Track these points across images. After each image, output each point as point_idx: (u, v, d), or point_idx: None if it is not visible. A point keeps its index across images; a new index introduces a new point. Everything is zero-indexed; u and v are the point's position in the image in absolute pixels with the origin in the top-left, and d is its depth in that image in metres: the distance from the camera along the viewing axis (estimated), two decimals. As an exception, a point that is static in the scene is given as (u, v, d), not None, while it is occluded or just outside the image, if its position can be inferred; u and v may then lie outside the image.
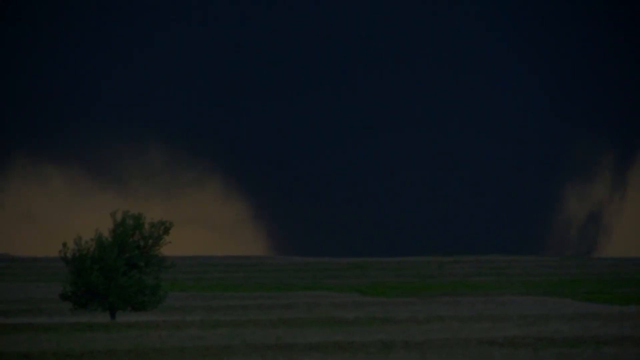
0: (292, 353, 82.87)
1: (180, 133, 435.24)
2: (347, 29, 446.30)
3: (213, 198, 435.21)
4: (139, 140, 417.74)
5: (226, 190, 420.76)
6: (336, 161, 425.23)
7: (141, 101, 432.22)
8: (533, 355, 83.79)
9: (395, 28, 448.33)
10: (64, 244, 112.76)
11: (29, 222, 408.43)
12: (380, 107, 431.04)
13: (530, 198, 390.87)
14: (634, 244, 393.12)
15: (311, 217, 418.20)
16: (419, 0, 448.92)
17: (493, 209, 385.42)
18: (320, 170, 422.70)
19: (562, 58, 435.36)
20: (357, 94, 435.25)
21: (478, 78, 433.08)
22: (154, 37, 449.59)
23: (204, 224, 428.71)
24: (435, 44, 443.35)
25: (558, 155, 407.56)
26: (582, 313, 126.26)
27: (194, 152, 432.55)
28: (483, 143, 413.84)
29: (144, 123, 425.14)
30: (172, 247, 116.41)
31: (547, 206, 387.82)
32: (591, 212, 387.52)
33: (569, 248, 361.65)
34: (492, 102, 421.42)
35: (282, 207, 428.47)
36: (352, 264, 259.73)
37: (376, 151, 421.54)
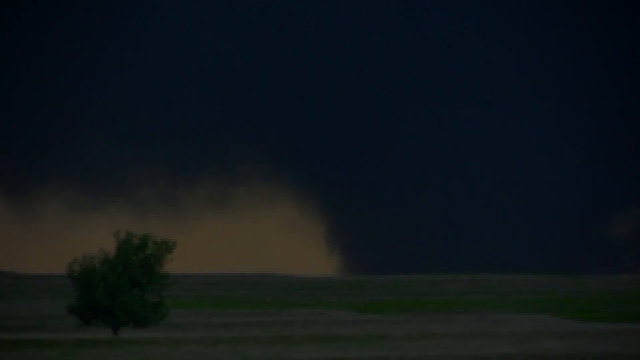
0: None
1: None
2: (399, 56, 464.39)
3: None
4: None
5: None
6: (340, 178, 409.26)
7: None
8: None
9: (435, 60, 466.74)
10: (73, 261, 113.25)
11: (33, 240, 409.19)
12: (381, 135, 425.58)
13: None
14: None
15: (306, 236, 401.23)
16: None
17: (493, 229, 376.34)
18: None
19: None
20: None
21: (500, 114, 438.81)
22: (189, 58, 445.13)
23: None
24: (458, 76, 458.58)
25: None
26: (573, 331, 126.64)
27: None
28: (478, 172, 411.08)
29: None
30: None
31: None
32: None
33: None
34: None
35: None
36: (349, 283, 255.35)
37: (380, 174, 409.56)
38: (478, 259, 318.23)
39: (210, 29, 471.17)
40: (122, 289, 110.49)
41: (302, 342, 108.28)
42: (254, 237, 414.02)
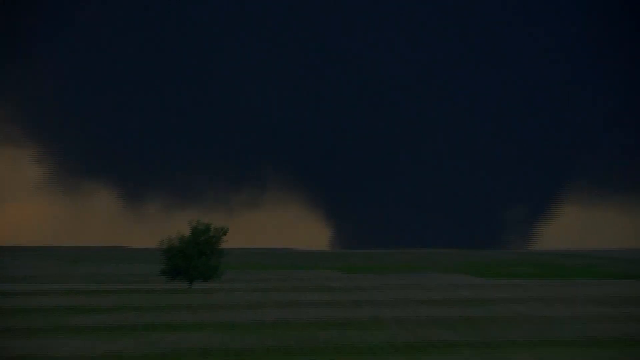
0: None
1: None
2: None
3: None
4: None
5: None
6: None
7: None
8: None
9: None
10: (161, 241, 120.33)
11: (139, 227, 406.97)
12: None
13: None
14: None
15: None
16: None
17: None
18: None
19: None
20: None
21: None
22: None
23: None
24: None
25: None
26: (479, 284, 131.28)
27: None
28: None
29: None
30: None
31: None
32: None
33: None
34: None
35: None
36: (337, 254, 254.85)
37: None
38: (420, 236, 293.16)
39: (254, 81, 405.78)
40: (193, 257, 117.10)
41: (307, 290, 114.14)
42: (276, 225, 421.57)
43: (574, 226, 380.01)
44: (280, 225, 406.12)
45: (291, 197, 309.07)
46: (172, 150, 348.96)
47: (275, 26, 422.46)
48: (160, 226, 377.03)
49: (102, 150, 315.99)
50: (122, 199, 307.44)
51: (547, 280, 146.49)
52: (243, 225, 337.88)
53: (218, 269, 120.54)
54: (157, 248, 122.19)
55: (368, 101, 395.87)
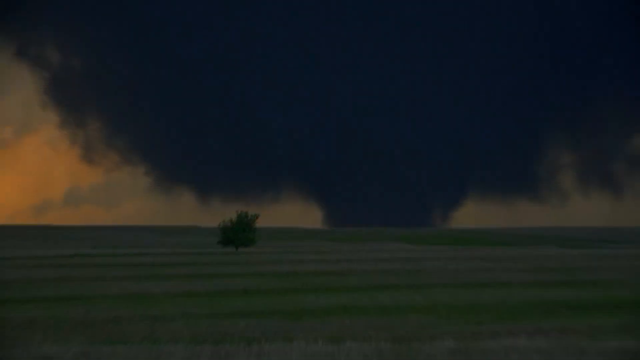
0: None
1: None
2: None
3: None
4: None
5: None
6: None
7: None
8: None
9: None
10: (219, 223, 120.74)
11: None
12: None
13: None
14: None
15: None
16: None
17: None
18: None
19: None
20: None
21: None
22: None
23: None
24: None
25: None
26: (416, 249, 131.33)
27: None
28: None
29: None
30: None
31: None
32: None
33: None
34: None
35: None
36: (326, 230, 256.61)
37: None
38: (383, 215, 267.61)
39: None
40: (238, 232, 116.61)
41: (307, 253, 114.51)
42: (287, 211, 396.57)
43: (480, 210, 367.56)
44: (290, 211, 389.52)
45: (297, 192, 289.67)
46: (228, 163, 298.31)
47: None
48: (220, 213, 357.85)
49: (185, 163, 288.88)
50: (196, 197, 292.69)
51: (459, 246, 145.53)
52: (268, 213, 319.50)
53: (253, 240, 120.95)
54: (217, 227, 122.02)
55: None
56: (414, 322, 36.11)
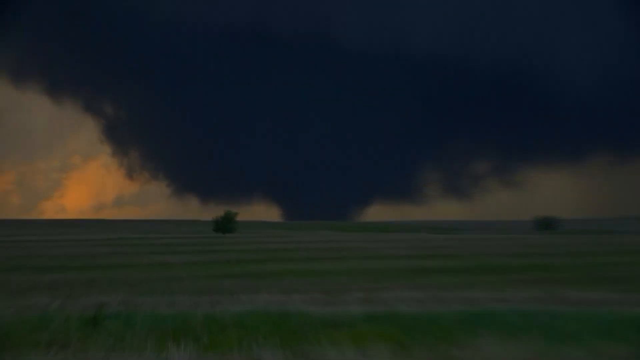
0: None
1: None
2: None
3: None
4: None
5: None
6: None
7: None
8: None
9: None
10: (215, 217, 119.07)
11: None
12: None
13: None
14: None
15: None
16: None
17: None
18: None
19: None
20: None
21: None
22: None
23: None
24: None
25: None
26: (340, 235, 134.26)
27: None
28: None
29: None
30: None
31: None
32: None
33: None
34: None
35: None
36: (282, 223, 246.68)
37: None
38: (320, 211, 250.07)
39: None
40: (225, 224, 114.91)
41: (269, 236, 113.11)
42: (254, 213, 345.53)
43: (381, 209, 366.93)
44: (258, 210, 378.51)
45: (263, 198, 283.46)
46: (219, 179, 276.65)
47: None
48: (214, 211, 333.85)
49: (192, 180, 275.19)
50: (199, 201, 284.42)
51: (368, 233, 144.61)
52: (244, 211, 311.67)
53: (234, 229, 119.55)
54: (212, 220, 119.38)
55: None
56: (336, 281, 36.18)
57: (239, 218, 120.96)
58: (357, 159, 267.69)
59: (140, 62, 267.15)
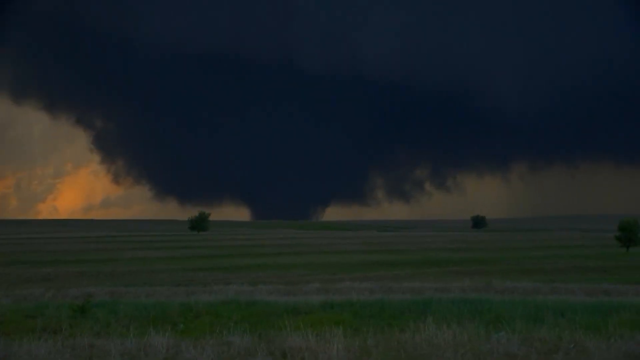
0: None
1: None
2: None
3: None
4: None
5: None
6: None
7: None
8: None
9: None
10: (190, 217, 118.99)
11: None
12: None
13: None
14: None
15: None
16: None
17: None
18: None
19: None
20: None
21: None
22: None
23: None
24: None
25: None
26: (312, 232, 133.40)
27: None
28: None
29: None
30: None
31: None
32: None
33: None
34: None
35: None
36: (251, 222, 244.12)
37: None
38: (287, 211, 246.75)
39: None
40: (200, 223, 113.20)
41: (238, 234, 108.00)
42: (225, 213, 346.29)
43: (337, 210, 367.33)
44: (229, 210, 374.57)
45: (234, 200, 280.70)
46: (195, 184, 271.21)
47: None
48: (190, 212, 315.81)
49: (171, 184, 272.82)
50: (178, 203, 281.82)
51: (327, 231, 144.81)
52: (217, 211, 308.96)
53: (207, 227, 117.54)
54: (188, 219, 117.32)
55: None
56: (297, 273, 36.16)
57: (212, 218, 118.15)
58: (317, 167, 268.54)
59: (126, 80, 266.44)
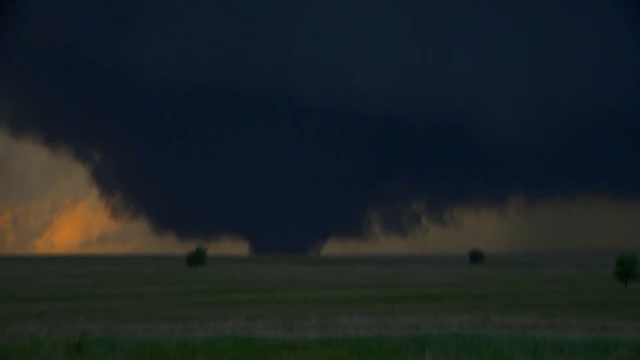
0: None
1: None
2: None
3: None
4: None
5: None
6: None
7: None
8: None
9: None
10: (189, 251, 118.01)
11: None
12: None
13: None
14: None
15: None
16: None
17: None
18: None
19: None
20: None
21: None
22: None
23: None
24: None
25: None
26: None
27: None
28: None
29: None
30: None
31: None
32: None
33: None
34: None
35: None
36: (251, 257, 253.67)
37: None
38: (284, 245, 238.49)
39: None
40: (197, 258, 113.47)
41: (236, 268, 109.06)
42: (223, 247, 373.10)
43: (336, 244, 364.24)
44: (227, 245, 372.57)
45: (233, 234, 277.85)
46: (193, 218, 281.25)
47: None
48: (188, 246, 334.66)
49: (170, 219, 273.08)
50: (176, 237, 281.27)
51: (324, 266, 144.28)
52: (215, 245, 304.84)
53: (205, 262, 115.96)
54: (186, 254, 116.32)
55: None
56: (295, 308, 36.01)
57: (210, 252, 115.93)
58: (316, 201, 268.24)
59: (125, 113, 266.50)
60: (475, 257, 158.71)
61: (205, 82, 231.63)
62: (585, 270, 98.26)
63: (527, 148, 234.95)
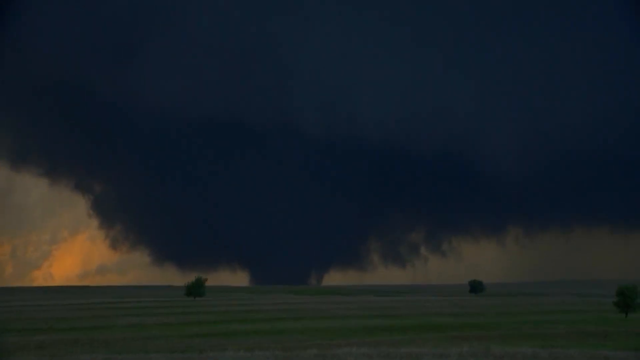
0: None
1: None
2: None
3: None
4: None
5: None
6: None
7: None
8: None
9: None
10: (187, 282, 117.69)
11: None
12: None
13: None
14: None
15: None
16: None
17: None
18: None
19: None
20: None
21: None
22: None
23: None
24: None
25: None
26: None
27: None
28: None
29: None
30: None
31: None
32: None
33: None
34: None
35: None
36: (252, 287, 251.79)
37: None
38: (285, 276, 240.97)
39: None
40: (196, 288, 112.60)
41: (237, 299, 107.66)
42: (222, 278, 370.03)
43: (337, 275, 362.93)
44: (227, 276, 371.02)
45: (233, 265, 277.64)
46: (193, 250, 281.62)
47: None
48: (188, 277, 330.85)
49: (170, 250, 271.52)
50: (176, 268, 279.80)
51: (324, 296, 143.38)
52: (213, 276, 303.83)
53: (204, 293, 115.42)
54: (184, 285, 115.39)
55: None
56: (294, 338, 35.77)
57: (209, 283, 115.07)
58: (316, 232, 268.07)
59: (126, 145, 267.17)
60: (475, 287, 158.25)
61: (206, 114, 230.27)
62: (585, 300, 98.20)
63: (526, 178, 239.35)
